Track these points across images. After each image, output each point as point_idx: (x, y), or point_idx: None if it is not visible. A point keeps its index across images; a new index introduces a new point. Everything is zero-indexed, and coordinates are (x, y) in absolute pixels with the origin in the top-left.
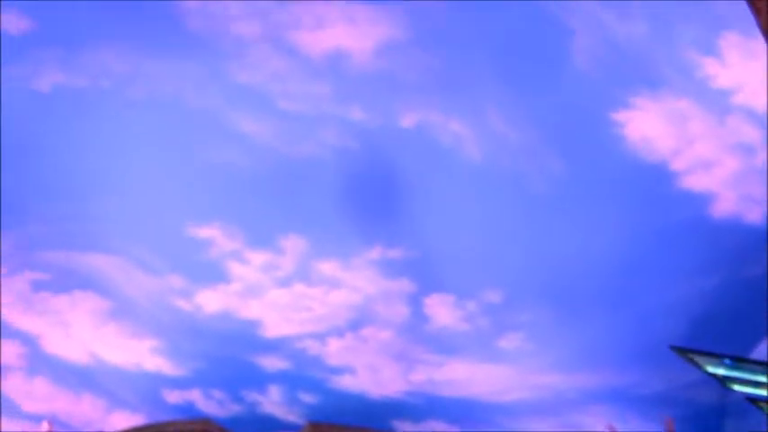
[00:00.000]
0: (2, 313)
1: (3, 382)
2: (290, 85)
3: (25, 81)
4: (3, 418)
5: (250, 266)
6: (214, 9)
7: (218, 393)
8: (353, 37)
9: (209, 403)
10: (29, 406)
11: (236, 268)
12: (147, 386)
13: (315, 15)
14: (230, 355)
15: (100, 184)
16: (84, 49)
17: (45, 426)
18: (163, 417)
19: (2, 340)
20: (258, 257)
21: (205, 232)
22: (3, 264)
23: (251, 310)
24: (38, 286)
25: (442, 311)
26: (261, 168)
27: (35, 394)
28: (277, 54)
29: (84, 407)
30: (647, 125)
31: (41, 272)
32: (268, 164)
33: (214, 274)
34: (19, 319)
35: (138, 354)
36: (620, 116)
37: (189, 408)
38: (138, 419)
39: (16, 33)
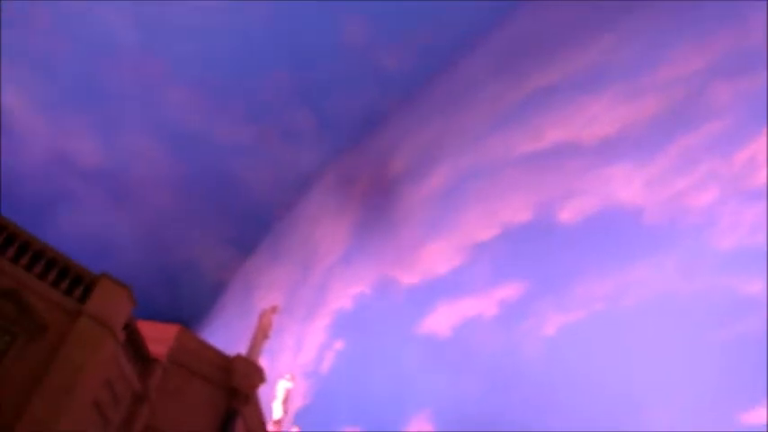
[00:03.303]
0: None
1: None
2: None
3: (535, 331)
4: None
5: None
6: (662, 197)
7: None
8: None
9: None
10: None
11: None
12: None
13: None
14: None
15: (634, 399)
16: (570, 288)
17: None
18: None
19: None
20: None
21: (759, 414)
22: None
23: None
24: None
25: None
26: None
27: None
28: (748, 205)
29: None
30: None
31: None
32: None
33: None
34: None
35: None
36: None
37: None
38: None
39: (515, 298)
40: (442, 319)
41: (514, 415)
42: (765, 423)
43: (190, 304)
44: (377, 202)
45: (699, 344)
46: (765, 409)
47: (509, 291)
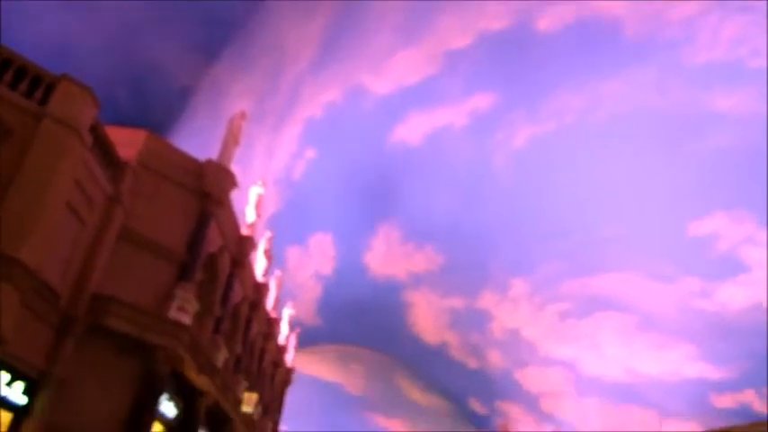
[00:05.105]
0: (541, 346)
1: (560, 406)
2: (756, 42)
3: (505, 142)
4: None
5: None
6: (643, 8)
7: None
8: None
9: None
10: (583, 425)
11: (751, 254)
12: (693, 393)
13: None
14: None
15: (595, 210)
16: (542, 100)
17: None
18: (716, 422)
19: (547, 370)
20: None
21: (707, 225)
22: (531, 303)
23: None
24: (564, 315)
25: None
26: (748, 141)
27: (588, 413)
28: (728, 19)
29: (635, 420)
30: None
31: (564, 302)
32: (756, 134)
33: (729, 267)
34: (555, 348)
35: (674, 362)
36: None
37: (744, 411)
38: (691, 426)
39: (486, 109)
40: (412, 129)
41: (481, 224)
42: (710, 232)
43: (157, 111)
44: (347, 4)
45: (665, 158)
46: (714, 220)
47: (481, 101)
